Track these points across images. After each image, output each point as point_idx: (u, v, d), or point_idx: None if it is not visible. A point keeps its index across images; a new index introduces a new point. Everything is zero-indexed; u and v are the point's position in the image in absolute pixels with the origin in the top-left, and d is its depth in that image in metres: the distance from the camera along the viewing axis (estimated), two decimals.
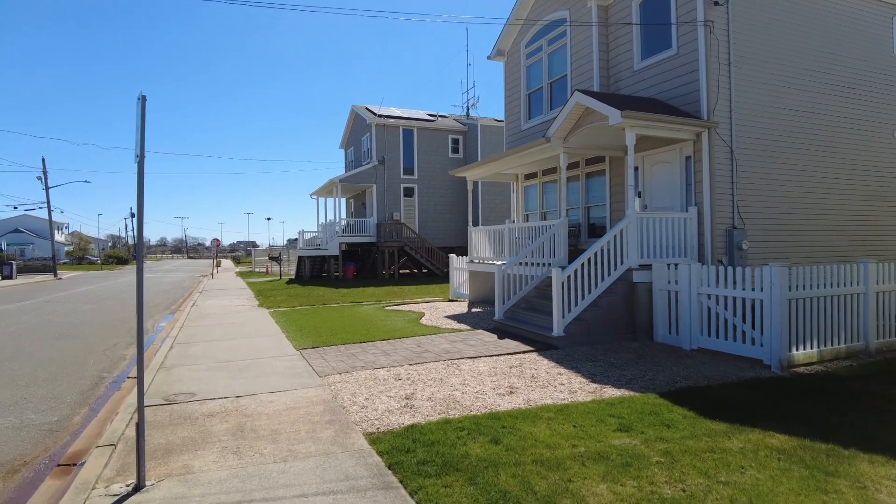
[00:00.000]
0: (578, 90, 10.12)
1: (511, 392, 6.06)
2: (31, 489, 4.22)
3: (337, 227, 29.32)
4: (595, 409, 5.41)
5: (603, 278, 9.00)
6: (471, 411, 5.39)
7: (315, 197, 34.93)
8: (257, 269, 42.66)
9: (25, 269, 50.34)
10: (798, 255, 10.42)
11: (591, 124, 10.09)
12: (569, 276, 8.68)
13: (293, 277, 30.44)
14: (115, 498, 3.76)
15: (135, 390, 6.63)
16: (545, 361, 7.62)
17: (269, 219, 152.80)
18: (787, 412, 5.31)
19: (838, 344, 7.69)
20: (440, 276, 28.79)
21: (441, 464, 4.08)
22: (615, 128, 9.94)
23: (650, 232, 9.40)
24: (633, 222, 9.18)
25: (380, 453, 4.33)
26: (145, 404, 5.67)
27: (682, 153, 10.33)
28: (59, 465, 4.62)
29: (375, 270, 30.67)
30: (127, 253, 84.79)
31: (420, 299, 16.81)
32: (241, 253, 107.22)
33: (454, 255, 16.39)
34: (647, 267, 9.21)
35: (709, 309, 8.23)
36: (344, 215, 35.16)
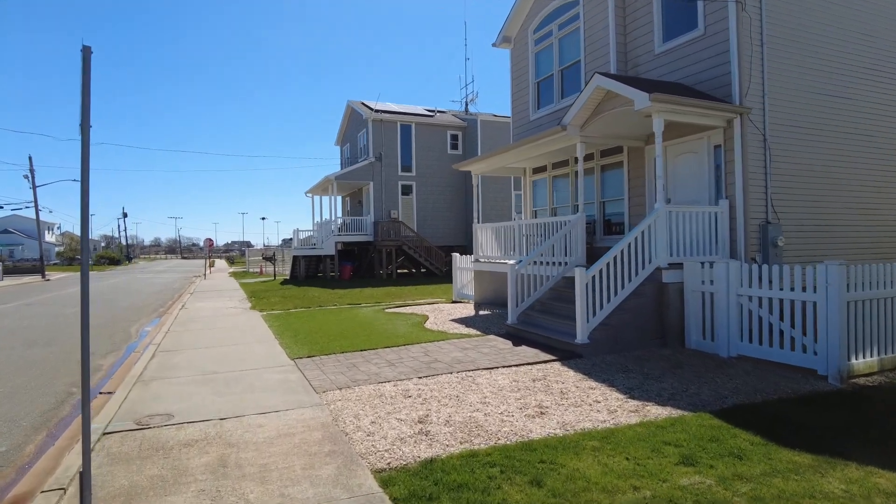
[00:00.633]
0: (599, 73, 9.27)
1: (541, 413, 5.21)
2: None
3: (333, 226, 28.40)
4: (645, 435, 4.57)
5: (630, 279, 8.16)
6: (498, 439, 4.53)
7: (310, 195, 33.97)
8: (251, 270, 41.68)
9: (14, 271, 49.15)
10: (837, 252, 9.62)
11: (612, 110, 9.25)
12: (593, 277, 7.84)
13: (288, 278, 29.50)
14: None
15: (106, 407, 5.76)
16: (571, 373, 6.77)
17: (263, 218, 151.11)
18: (874, 437, 4.48)
19: None
20: (439, 275, 27.94)
21: None
22: (639, 114, 9.10)
23: (679, 227, 8.58)
24: (661, 216, 8.34)
25: (395, 501, 3.47)
26: (112, 430, 4.80)
27: (710, 142, 9.51)
28: None
29: (372, 270, 29.78)
30: (119, 253, 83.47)
31: (422, 301, 15.94)
32: (236, 253, 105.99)
33: (457, 254, 15.54)
34: (678, 266, 8.38)
35: (750, 312, 7.41)
36: (340, 214, 34.24)
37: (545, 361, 7.35)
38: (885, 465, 3.89)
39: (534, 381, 6.41)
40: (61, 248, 79.27)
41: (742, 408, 5.38)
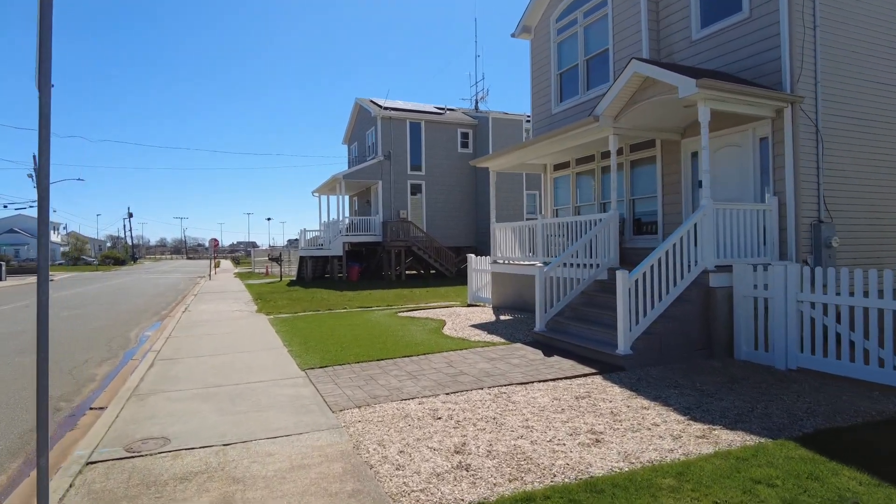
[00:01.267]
0: (636, 58, 8.53)
1: (596, 440, 4.47)
2: None
3: (340, 226, 27.73)
4: (728, 470, 3.83)
5: (675, 283, 7.41)
6: (554, 475, 3.80)
7: (317, 195, 33.34)
8: (257, 270, 41.09)
9: (19, 271, 48.81)
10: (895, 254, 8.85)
11: (650, 99, 8.51)
12: (636, 281, 7.09)
13: (294, 279, 28.86)
14: None
15: (94, 427, 5.07)
16: (617, 389, 6.03)
17: (269, 219, 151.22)
18: None
19: None
20: (449, 277, 27.22)
21: None
22: (678, 104, 8.40)
23: (726, 227, 7.83)
24: (709, 214, 7.59)
25: None
26: (97, 458, 3.96)
27: (755, 134, 8.75)
28: None
29: (381, 271, 29.08)
30: (125, 253, 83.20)
31: (435, 304, 15.22)
32: (241, 253, 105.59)
33: (472, 256, 14.81)
34: (726, 269, 7.63)
35: (812, 320, 6.65)
36: (347, 214, 33.60)
37: (585, 375, 6.61)
38: None
39: (577, 398, 5.67)
40: (66, 248, 79.03)
41: (826, 433, 4.63)
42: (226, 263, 72.21)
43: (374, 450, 4.32)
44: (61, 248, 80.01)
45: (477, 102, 33.78)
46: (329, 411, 5.35)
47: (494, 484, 3.67)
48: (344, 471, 3.94)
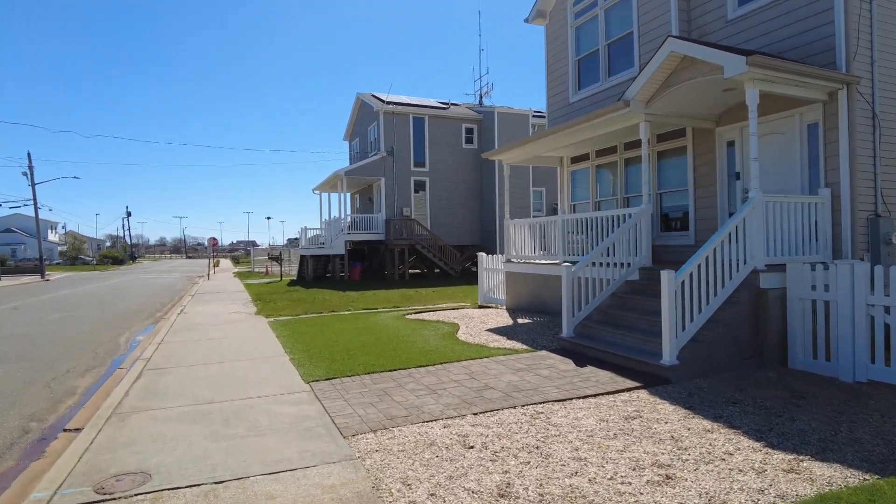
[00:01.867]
0: (673, 36, 7.73)
1: (667, 477, 3.69)
2: None
3: (342, 224, 26.94)
4: None
5: (723, 284, 6.61)
6: None
7: (318, 192, 32.52)
8: (256, 270, 40.29)
9: (16, 270, 48.06)
10: None
11: (688, 81, 7.71)
12: (682, 283, 6.30)
13: (295, 278, 28.07)
14: None
15: (64, 457, 4.28)
16: (669, 407, 5.24)
17: (268, 218, 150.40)
18: None
19: None
20: (454, 276, 26.45)
21: None
22: (717, 87, 7.67)
23: (776, 222, 7.04)
24: (758, 208, 6.80)
25: None
26: (59, 502, 3.27)
27: (802, 120, 7.96)
28: None
29: (383, 271, 28.29)
30: (123, 253, 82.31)
31: (444, 305, 14.43)
32: (241, 252, 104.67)
33: (483, 254, 14.03)
34: (777, 268, 6.84)
35: (886, 327, 5.86)
36: (349, 211, 32.82)
37: (628, 390, 5.83)
38: None
39: (627, 419, 4.89)
40: (64, 248, 78.19)
41: None
42: (225, 263, 71.41)
43: (399, 492, 3.53)
44: (59, 248, 79.20)
45: (481, 97, 33.00)
46: (340, 436, 4.57)
47: None
48: None
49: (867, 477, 3.67)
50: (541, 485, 3.57)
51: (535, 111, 29.50)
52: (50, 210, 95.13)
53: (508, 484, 3.59)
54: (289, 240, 63.78)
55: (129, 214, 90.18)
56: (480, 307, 13.42)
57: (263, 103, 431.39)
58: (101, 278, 35.78)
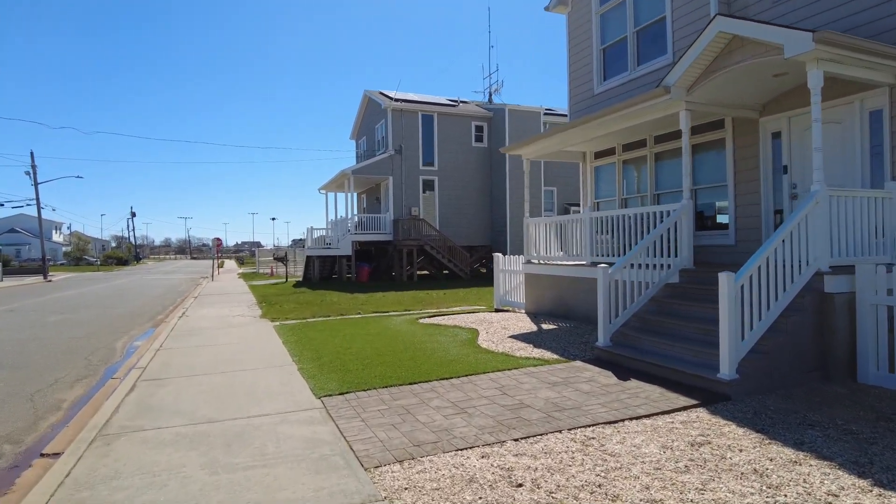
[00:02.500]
0: (723, 14, 7.03)
1: None
2: None
3: (349, 224, 26.28)
4: None
5: (784, 288, 5.89)
6: None
7: (324, 192, 31.94)
8: (261, 271, 39.71)
9: (19, 271, 47.69)
10: None
11: (736, 65, 6.99)
12: (741, 287, 5.57)
13: (301, 280, 27.43)
14: None
15: (33, 494, 3.60)
16: (737, 430, 4.52)
17: (273, 219, 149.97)
18: None
19: None
20: (464, 278, 25.76)
21: None
22: (768, 72, 6.94)
23: (840, 218, 6.30)
24: (822, 203, 6.07)
25: None
26: None
27: (863, 106, 7.23)
28: None
29: (390, 272, 27.63)
30: (127, 253, 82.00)
31: (457, 308, 13.74)
32: (246, 253, 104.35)
33: (500, 255, 13.32)
34: (843, 270, 6.11)
35: None
36: (355, 211, 32.17)
37: (684, 408, 5.11)
38: None
39: (694, 446, 4.17)
40: (69, 248, 77.95)
41: None
42: (230, 263, 70.97)
43: None
44: (63, 248, 78.96)
45: (490, 95, 32.32)
46: (360, 468, 3.87)
47: None
48: None
49: None
50: None
51: (546, 109, 28.79)
52: (53, 210, 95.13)
53: None
54: (294, 241, 63.25)
55: (133, 215, 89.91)
56: (497, 311, 12.71)
57: (268, 103, 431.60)
58: (104, 279, 35.27)
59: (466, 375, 6.43)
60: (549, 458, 3.99)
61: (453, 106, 28.67)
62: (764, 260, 5.72)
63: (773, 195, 8.37)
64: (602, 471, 3.74)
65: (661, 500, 3.31)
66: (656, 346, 6.71)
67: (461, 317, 11.74)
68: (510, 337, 8.91)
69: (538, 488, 3.48)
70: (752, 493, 3.40)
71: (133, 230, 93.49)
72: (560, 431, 4.52)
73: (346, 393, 5.85)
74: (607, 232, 9.82)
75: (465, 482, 3.60)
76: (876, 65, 6.40)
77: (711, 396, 5.39)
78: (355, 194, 32.87)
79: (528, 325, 9.99)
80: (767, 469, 3.76)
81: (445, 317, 11.91)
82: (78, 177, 58.32)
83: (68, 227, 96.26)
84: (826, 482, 3.56)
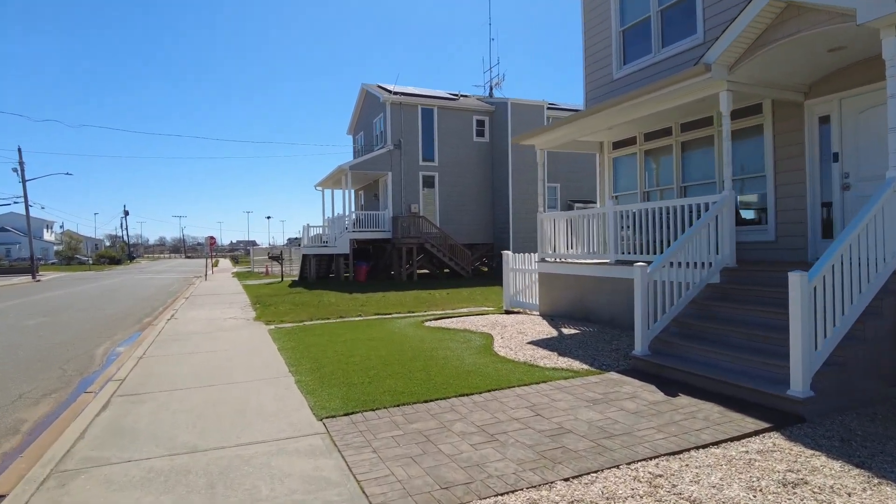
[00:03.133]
0: None
1: None
2: None
3: (347, 222, 25.41)
4: None
5: (860, 289, 5.09)
6: None
7: (320, 188, 31.02)
8: (256, 270, 38.76)
9: (9, 270, 46.60)
10: None
11: (789, 38, 6.20)
12: (815, 288, 4.77)
13: (297, 279, 26.55)
14: None
15: None
16: (831, 464, 3.73)
17: (268, 217, 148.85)
18: None
19: None
20: (466, 277, 24.95)
21: None
22: (823, 46, 6.18)
23: None
24: None
25: None
26: None
27: None
28: None
29: (389, 271, 26.79)
30: (120, 252, 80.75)
31: (464, 309, 12.94)
32: (241, 252, 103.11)
33: (509, 253, 12.52)
34: None
35: None
36: (353, 209, 31.29)
37: (756, 433, 4.31)
38: None
39: (787, 486, 3.37)
40: (60, 247, 76.67)
41: None
42: (224, 262, 69.95)
43: None
44: (55, 247, 77.70)
45: (491, 89, 31.51)
46: None
47: None
48: None
49: None
50: None
51: (549, 103, 27.98)
52: (42, 208, 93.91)
53: None
54: (289, 239, 62.15)
55: (126, 213, 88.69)
56: (507, 312, 11.91)
57: (263, 98, 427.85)
58: (95, 279, 34.29)
59: (489, 391, 5.62)
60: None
61: (454, 100, 27.83)
62: (838, 258, 4.92)
63: (821, 186, 7.58)
64: None
65: None
66: (703, 355, 5.91)
67: (470, 319, 10.92)
68: (529, 343, 8.10)
69: None
70: None
71: (126, 229, 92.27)
72: (618, 467, 3.71)
73: (352, 413, 5.02)
74: (627, 227, 9.05)
75: None
76: None
77: (782, 417, 4.59)
78: (353, 191, 31.99)
79: (546, 330, 9.18)
80: None
81: (453, 319, 11.10)
82: (67, 174, 56.77)
83: (61, 226, 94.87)
84: None
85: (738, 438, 4.21)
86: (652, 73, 9.89)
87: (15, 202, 44.64)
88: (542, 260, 10.86)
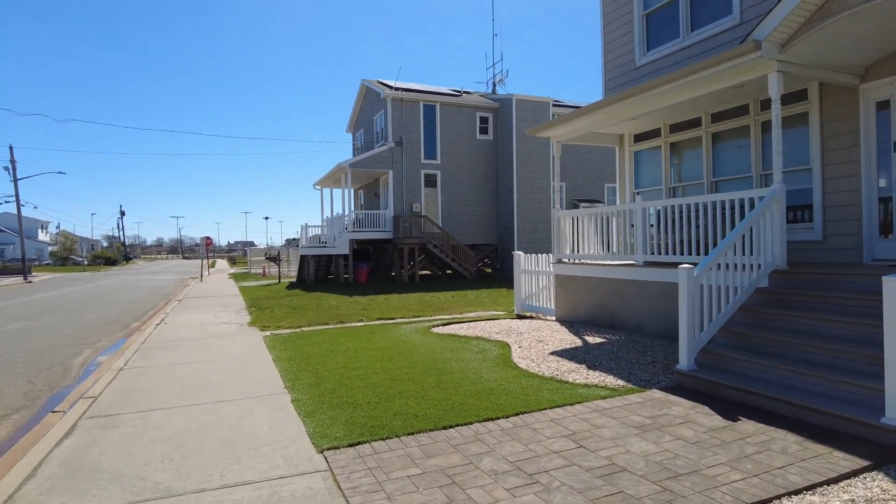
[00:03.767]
0: None
1: None
2: None
3: (346, 222, 24.61)
4: None
5: None
6: None
7: (319, 187, 30.22)
8: (253, 271, 37.95)
9: (2, 271, 45.69)
10: None
11: (858, 7, 5.43)
12: None
13: (294, 281, 25.76)
14: None
15: None
16: None
17: (266, 218, 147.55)
18: None
19: None
20: (469, 278, 24.17)
21: None
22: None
23: None
24: None
25: None
26: None
27: None
28: None
29: (389, 272, 26.00)
30: (116, 253, 79.82)
31: (472, 314, 12.16)
32: (239, 253, 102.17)
33: (521, 254, 11.75)
34: None
35: None
36: (353, 208, 30.50)
37: (853, 474, 3.53)
38: None
39: None
40: (55, 248, 75.69)
41: None
42: (222, 263, 69.09)
43: None
44: (50, 248, 76.74)
45: (494, 85, 30.77)
46: None
47: None
48: None
49: None
50: None
51: (555, 100, 27.22)
52: (35, 207, 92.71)
53: None
54: (287, 240, 61.32)
55: (122, 214, 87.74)
56: (520, 317, 11.13)
57: (257, 95, 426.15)
58: (88, 280, 33.46)
59: (517, 414, 4.83)
60: None
61: (457, 96, 27.06)
62: None
63: (878, 178, 6.82)
64: None
65: None
66: (762, 370, 5.13)
67: (481, 325, 10.14)
68: (552, 354, 7.31)
69: None
70: None
71: (122, 229, 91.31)
72: None
73: (359, 444, 4.23)
74: (651, 225, 8.29)
75: None
76: None
77: (878, 452, 3.82)
78: (352, 190, 31.21)
79: (567, 338, 8.40)
80: None
81: (462, 325, 10.32)
82: (60, 172, 55.81)
83: (57, 227, 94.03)
84: None
85: (836, 481, 3.44)
86: (680, 59, 9.12)
87: (7, 201, 43.67)
88: (559, 261, 10.08)
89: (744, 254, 6.09)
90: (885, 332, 3.89)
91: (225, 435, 4.56)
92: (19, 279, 36.23)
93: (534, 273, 11.22)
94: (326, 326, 10.61)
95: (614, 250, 8.77)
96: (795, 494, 3.27)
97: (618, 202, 11.09)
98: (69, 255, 70.26)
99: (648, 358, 6.73)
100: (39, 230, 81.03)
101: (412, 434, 4.41)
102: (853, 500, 3.19)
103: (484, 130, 26.94)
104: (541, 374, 6.25)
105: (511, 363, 6.83)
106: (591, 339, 8.10)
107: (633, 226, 8.32)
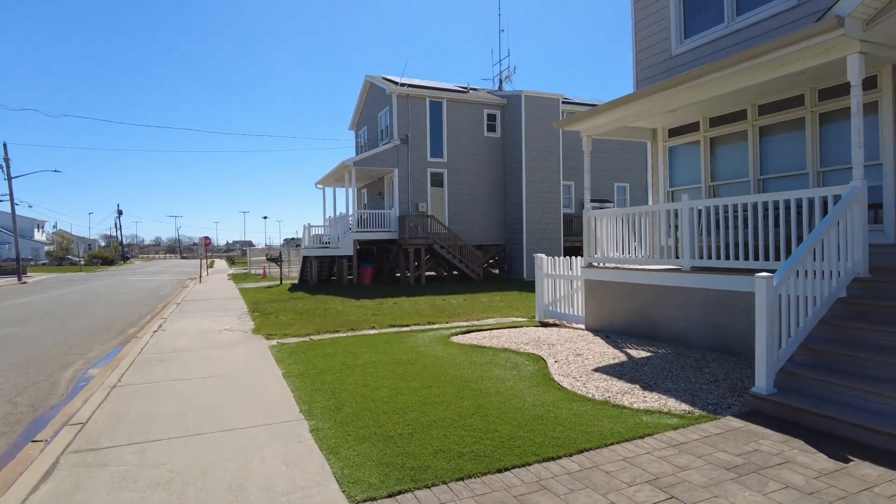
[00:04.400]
0: None
1: None
2: None
3: (350, 221, 23.86)
4: None
5: None
6: None
7: (321, 186, 29.48)
8: (253, 272, 37.16)
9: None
10: None
11: None
12: None
13: (297, 282, 24.99)
14: None
15: None
16: None
17: (265, 217, 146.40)
18: None
19: None
20: (476, 280, 23.45)
21: None
22: None
23: None
24: None
25: None
26: None
27: None
28: None
29: (394, 273, 25.26)
30: (113, 253, 78.89)
31: (491, 320, 11.43)
32: (237, 253, 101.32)
33: (544, 256, 11.01)
34: None
35: None
36: (356, 207, 29.78)
37: None
38: None
39: None
40: (52, 248, 74.74)
41: None
42: (220, 263, 68.26)
43: None
44: (46, 247, 75.81)
45: (501, 82, 30.02)
46: None
47: None
48: None
49: None
50: None
51: (564, 97, 26.50)
52: (30, 206, 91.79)
53: None
54: (286, 239, 60.56)
55: (120, 213, 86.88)
56: (543, 325, 10.40)
57: (259, 92, 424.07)
58: (84, 280, 32.64)
59: (580, 451, 4.09)
60: None
61: (464, 92, 26.31)
62: None
63: None
64: None
65: None
66: (859, 396, 4.40)
67: (504, 334, 9.40)
68: (595, 370, 6.57)
69: None
70: None
71: (120, 228, 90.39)
72: None
73: (399, 493, 3.49)
74: (694, 226, 7.56)
75: None
76: None
77: None
78: (356, 189, 30.45)
79: (606, 350, 7.65)
80: None
81: (483, 333, 9.58)
82: (55, 171, 54.87)
83: (53, 226, 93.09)
84: None
85: None
86: (723, 47, 8.40)
87: (0, 200, 42.78)
88: (589, 265, 9.35)
89: (823, 260, 5.36)
90: None
91: (234, 478, 3.82)
92: (13, 280, 35.40)
93: (558, 277, 10.49)
94: (337, 335, 9.86)
95: (655, 254, 8.04)
96: None
97: (650, 201, 10.36)
98: (66, 255, 69.33)
99: (708, 376, 5.99)
100: (36, 229, 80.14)
101: (461, 479, 3.66)
102: None
103: (491, 128, 26.21)
104: (590, 396, 5.51)
105: (552, 382, 6.09)
106: (635, 353, 7.36)
107: (677, 227, 7.58)
